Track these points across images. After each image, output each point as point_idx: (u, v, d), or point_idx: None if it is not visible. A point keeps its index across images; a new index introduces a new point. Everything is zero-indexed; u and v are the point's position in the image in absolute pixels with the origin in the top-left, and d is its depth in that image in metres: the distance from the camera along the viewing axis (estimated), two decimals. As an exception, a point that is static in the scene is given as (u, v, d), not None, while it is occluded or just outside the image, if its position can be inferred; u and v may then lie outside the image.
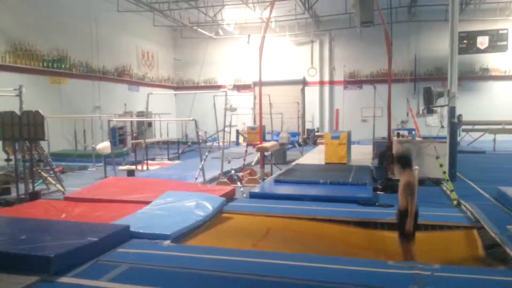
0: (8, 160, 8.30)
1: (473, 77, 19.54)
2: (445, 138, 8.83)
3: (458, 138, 11.97)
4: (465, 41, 17.63)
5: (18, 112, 7.69)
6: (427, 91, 9.45)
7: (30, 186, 7.56)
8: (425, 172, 8.50)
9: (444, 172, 7.66)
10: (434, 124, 9.80)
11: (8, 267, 3.95)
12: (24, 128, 7.36)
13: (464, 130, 16.10)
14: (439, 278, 3.68)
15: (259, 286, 3.68)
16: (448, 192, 7.29)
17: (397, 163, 4.67)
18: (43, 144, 8.48)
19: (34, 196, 7.24)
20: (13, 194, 7.67)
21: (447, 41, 8.72)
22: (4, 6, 12.58)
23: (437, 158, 7.85)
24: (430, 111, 9.48)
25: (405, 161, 4.47)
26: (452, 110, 8.49)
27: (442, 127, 9.00)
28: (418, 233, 5.23)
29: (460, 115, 8.67)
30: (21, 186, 7.63)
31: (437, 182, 8.55)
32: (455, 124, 8.58)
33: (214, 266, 4.07)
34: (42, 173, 8.44)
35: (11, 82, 11.13)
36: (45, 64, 13.99)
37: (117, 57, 18.20)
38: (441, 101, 9.34)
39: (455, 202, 6.73)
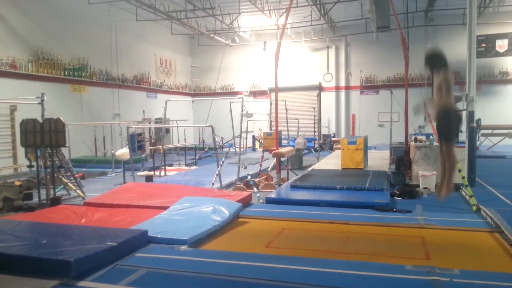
0: (30, 166, 8.49)
1: (492, 80, 19.20)
2: (463, 143, 8.71)
3: (477, 143, 11.79)
4: (483, 45, 17.39)
5: (40, 119, 7.87)
6: (445, 96, 9.34)
7: (51, 192, 7.71)
8: (444, 177, 8.38)
9: (463, 177, 7.55)
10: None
11: (30, 271, 4.05)
12: (46, 135, 7.54)
13: (483, 135, 15.85)
14: (459, 285, 3.63)
15: (275, 291, 3.70)
16: (467, 197, 7.19)
17: (428, 64, 4.40)
18: (64, 150, 8.66)
19: (55, 201, 7.39)
20: (35, 199, 7.84)
21: (465, 45, 8.63)
22: (26, 16, 12.95)
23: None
24: (448, 115, 9.35)
25: (437, 60, 4.19)
26: (470, 115, 8.37)
27: (461, 131, 8.85)
28: (436, 233, 5.19)
29: (479, 120, 8.54)
30: (43, 192, 7.80)
31: (456, 187, 8.43)
32: (473, 128, 8.46)
33: (231, 271, 4.10)
34: (63, 179, 8.60)
35: (34, 90, 11.43)
36: (66, 73, 14.32)
37: (136, 65, 18.51)
38: (459, 105, 9.21)
39: (474, 208, 6.63)
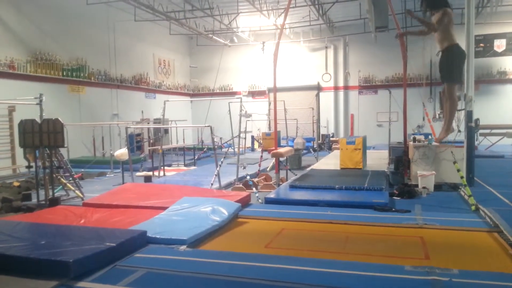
0: (29, 167, 8.48)
1: (490, 80, 19.25)
2: (462, 142, 8.72)
3: (476, 143, 11.81)
4: (481, 45, 17.42)
5: (38, 120, 7.86)
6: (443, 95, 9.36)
7: (50, 193, 7.70)
8: (442, 177, 8.40)
9: (462, 177, 7.56)
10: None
11: (29, 272, 4.04)
12: (44, 136, 7.53)
13: (481, 135, 15.86)
14: (458, 284, 3.63)
15: (274, 291, 3.70)
16: (466, 197, 7.19)
17: (424, 4, 4.43)
18: (62, 151, 8.65)
19: (53, 202, 7.37)
20: (34, 200, 7.83)
21: (463, 44, 8.64)
22: (25, 17, 12.94)
23: (454, 163, 7.76)
24: (446, 115, 9.38)
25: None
26: (469, 114, 8.38)
27: (459, 131, 8.87)
28: (435, 233, 5.20)
29: (477, 119, 8.55)
30: (41, 193, 7.79)
31: (454, 187, 8.45)
32: (472, 128, 8.47)
33: (230, 271, 4.10)
34: (62, 179, 8.59)
35: (32, 90, 11.42)
36: (64, 73, 14.31)
37: (134, 65, 18.50)
38: (458, 105, 9.24)
39: (473, 207, 6.64)
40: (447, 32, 4.06)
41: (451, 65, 3.84)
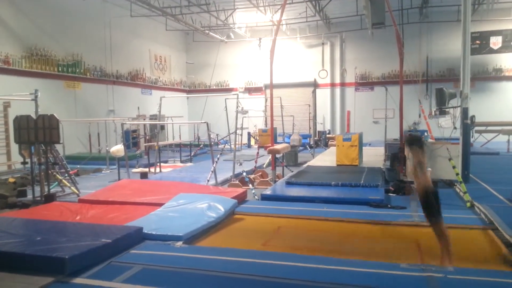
0: (24, 163, 8.45)
1: (486, 77, 19.31)
2: (458, 139, 8.75)
3: (471, 140, 11.86)
4: (477, 42, 17.42)
5: (34, 116, 7.82)
6: (439, 92, 9.37)
7: (46, 189, 7.68)
8: (438, 173, 8.42)
9: (457, 174, 7.59)
10: (447, 126, 9.67)
11: (24, 268, 4.04)
12: (40, 132, 7.50)
13: (477, 131, 15.93)
14: (453, 281, 3.65)
15: (270, 287, 3.71)
16: (462, 194, 7.23)
17: (408, 146, 4.69)
18: (58, 147, 8.61)
19: (49, 198, 7.36)
20: (29, 196, 7.81)
21: (459, 41, 8.66)
22: (20, 12, 12.84)
23: (450, 159, 7.79)
24: (442, 112, 9.40)
25: (415, 143, 4.45)
26: (465, 111, 8.42)
27: (455, 128, 8.89)
28: (430, 230, 5.22)
29: (473, 116, 8.59)
30: (37, 189, 7.76)
31: (450, 184, 8.48)
32: (468, 125, 8.51)
33: (226, 267, 4.11)
34: (57, 175, 8.56)
35: (27, 86, 11.37)
36: (60, 69, 14.23)
37: (130, 61, 18.42)
38: (454, 102, 9.25)
39: (468, 204, 6.67)
40: (425, 175, 4.23)
41: (433, 206, 4.05)
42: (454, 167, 7.65)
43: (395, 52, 9.94)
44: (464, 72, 8.41)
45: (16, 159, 11.50)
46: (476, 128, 14.33)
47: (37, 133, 7.50)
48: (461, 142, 8.50)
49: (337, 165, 10.76)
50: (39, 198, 7.55)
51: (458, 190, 7.81)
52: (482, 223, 5.68)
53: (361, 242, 5.07)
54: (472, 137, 12.49)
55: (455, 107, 8.99)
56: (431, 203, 4.12)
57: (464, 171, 8.31)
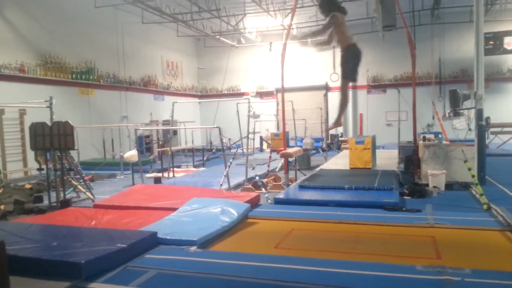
0: (40, 169, 8.56)
1: (501, 78, 19.03)
2: (473, 141, 8.64)
3: (487, 141, 11.67)
4: (491, 42, 17.21)
5: (49, 123, 7.93)
6: (453, 94, 9.29)
7: (61, 194, 7.78)
8: (453, 176, 8.33)
9: (473, 176, 7.48)
10: (461, 127, 9.58)
11: (41, 273, 4.09)
12: (55, 138, 7.60)
13: (492, 133, 15.68)
14: (470, 284, 3.60)
15: (285, 291, 3.70)
16: (478, 196, 7.12)
17: (321, 8, 4.97)
18: (73, 153, 8.72)
19: (65, 204, 7.44)
20: (45, 202, 7.91)
21: (472, 42, 8.57)
22: (34, 21, 13.07)
23: (465, 161, 7.69)
24: (456, 114, 9.31)
25: (329, 3, 4.68)
26: (479, 113, 8.31)
27: (470, 130, 8.79)
28: (446, 232, 5.16)
29: (488, 117, 8.47)
30: (53, 195, 7.87)
31: (465, 186, 8.36)
32: (483, 126, 8.40)
33: (240, 271, 4.10)
34: (73, 181, 8.66)
35: (42, 94, 11.54)
36: (73, 76, 14.43)
37: (143, 67, 18.60)
38: (468, 103, 9.16)
39: (485, 206, 6.57)
40: (341, 34, 4.45)
41: (345, 63, 4.31)
42: (469, 169, 7.56)
43: (407, 54, 9.87)
44: (478, 73, 8.31)
45: (32, 165, 11.66)
46: (492, 129, 14.10)
47: (53, 139, 7.60)
48: (476, 144, 8.40)
49: (350, 168, 10.69)
50: (55, 204, 7.64)
51: (474, 193, 7.70)
52: (499, 225, 5.59)
53: (375, 245, 5.02)
54: (487, 139, 12.28)
55: (470, 108, 8.90)
56: (346, 60, 4.37)
57: (480, 173, 8.20)
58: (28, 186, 8.98)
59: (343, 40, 4.48)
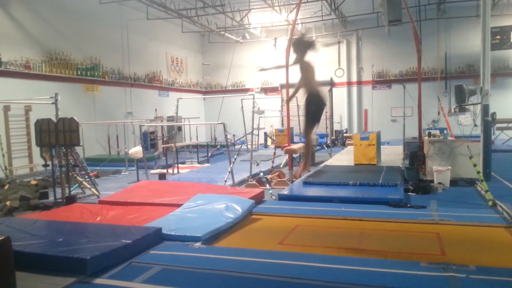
0: (45, 165, 8.61)
1: (507, 73, 18.83)
2: (478, 137, 8.59)
3: (493, 137, 11.61)
4: (498, 37, 17.04)
5: (54, 119, 7.97)
6: (458, 89, 9.23)
7: (67, 191, 7.82)
8: (459, 172, 8.30)
9: (478, 172, 7.44)
10: (467, 123, 9.53)
11: (47, 269, 4.11)
12: (60, 135, 7.63)
13: (498, 129, 15.62)
14: (475, 281, 3.58)
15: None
16: (483, 192, 7.09)
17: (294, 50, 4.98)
18: (78, 149, 8.75)
19: (70, 200, 7.49)
20: (51, 198, 7.95)
21: (479, 37, 8.50)
22: (39, 17, 13.10)
23: (470, 157, 7.65)
24: (462, 109, 9.25)
25: (302, 47, 4.72)
26: (485, 108, 8.25)
27: (475, 125, 8.74)
28: (451, 229, 5.14)
29: (494, 113, 8.41)
30: (58, 191, 7.91)
31: (471, 182, 8.33)
32: (488, 122, 8.34)
33: (245, 267, 4.11)
34: (78, 177, 8.70)
35: (47, 90, 11.57)
36: (79, 73, 14.47)
37: (147, 63, 18.61)
38: (474, 99, 9.09)
39: (490, 203, 6.54)
40: (306, 81, 4.51)
41: (307, 111, 4.39)
42: (475, 165, 7.51)
43: (413, 49, 9.81)
44: (484, 68, 8.25)
45: (37, 161, 11.73)
46: (497, 125, 14.05)
47: (58, 136, 7.64)
48: (482, 140, 8.34)
49: (355, 164, 10.66)
50: (60, 200, 7.69)
51: (479, 189, 7.67)
52: (504, 221, 5.56)
53: (380, 241, 5.02)
54: (493, 135, 12.23)
55: (475, 104, 8.83)
56: (308, 109, 4.39)
57: (486, 169, 8.15)
58: (33, 182, 9.03)
59: (307, 86, 4.50)
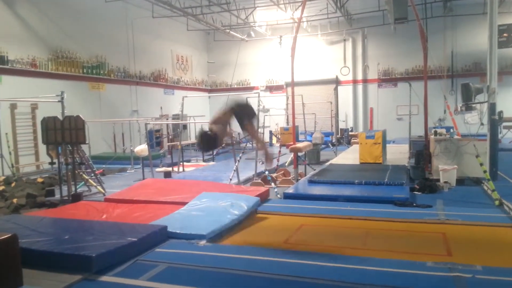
0: (51, 163, 8.66)
1: (515, 71, 18.71)
2: (485, 135, 8.53)
3: (499, 136, 11.54)
4: (505, 34, 16.89)
5: (60, 117, 8.00)
6: (465, 87, 9.17)
7: (73, 188, 7.86)
8: (465, 171, 8.25)
9: (485, 171, 7.39)
10: (473, 122, 9.46)
11: (53, 266, 4.14)
12: (66, 133, 7.66)
13: (505, 127, 15.52)
14: (481, 281, 3.56)
15: (294, 287, 3.70)
16: (489, 191, 7.05)
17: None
18: (84, 147, 8.80)
19: (76, 197, 7.52)
20: (57, 196, 8.01)
21: (486, 35, 8.44)
22: (45, 16, 13.16)
23: (477, 156, 7.60)
24: (468, 108, 9.19)
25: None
26: (492, 107, 8.20)
27: (482, 124, 8.68)
28: (457, 228, 5.10)
29: (501, 112, 8.36)
30: (64, 188, 7.96)
31: (477, 181, 8.28)
32: (495, 121, 8.29)
33: (250, 266, 4.12)
34: (84, 175, 8.74)
35: (53, 88, 11.65)
36: (85, 71, 14.53)
37: (153, 61, 18.65)
38: (480, 97, 9.04)
39: (497, 202, 6.50)
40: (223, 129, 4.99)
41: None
42: (481, 164, 7.47)
43: (419, 47, 9.76)
44: (491, 66, 8.19)
45: (44, 159, 11.80)
46: (504, 123, 13.94)
47: (64, 134, 7.67)
48: (488, 139, 8.29)
49: (360, 163, 10.63)
50: (66, 198, 7.73)
51: (486, 188, 7.62)
52: (511, 221, 5.52)
53: (385, 241, 5.00)
54: (500, 133, 12.13)
55: (482, 102, 8.78)
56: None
57: (492, 168, 8.10)
58: (40, 180, 9.09)
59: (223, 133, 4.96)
